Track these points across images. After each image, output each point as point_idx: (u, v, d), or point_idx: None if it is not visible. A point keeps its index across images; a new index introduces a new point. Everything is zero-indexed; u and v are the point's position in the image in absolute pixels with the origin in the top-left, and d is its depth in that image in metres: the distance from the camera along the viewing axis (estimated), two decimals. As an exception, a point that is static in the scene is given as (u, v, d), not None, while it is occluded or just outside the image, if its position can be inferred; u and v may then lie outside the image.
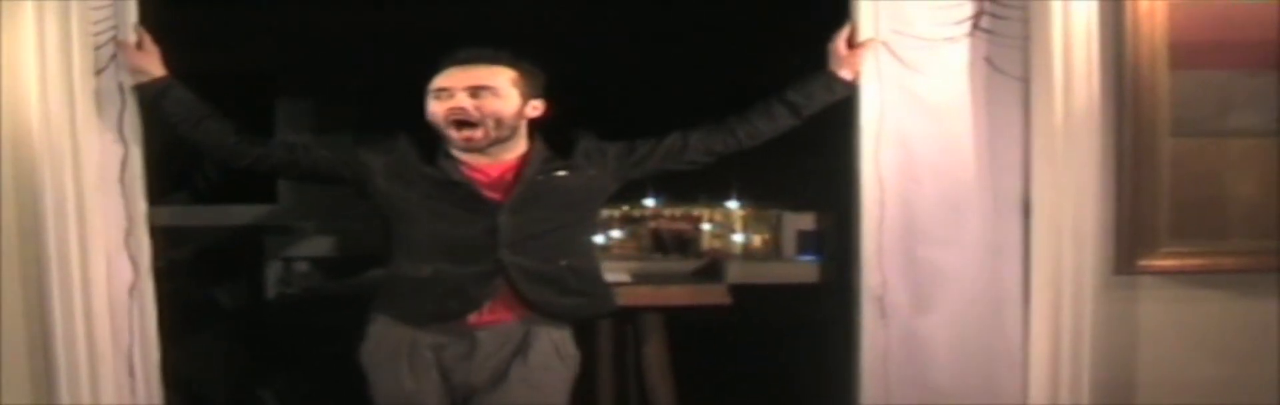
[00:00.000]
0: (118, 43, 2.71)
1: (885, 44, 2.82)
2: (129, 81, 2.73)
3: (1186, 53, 2.77)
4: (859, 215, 2.89)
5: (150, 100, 2.73)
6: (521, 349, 2.72)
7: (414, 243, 2.73)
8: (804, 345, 4.25)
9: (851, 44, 2.83)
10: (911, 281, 2.88)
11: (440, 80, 2.67)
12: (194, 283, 4.49)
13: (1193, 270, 2.85)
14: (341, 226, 4.99)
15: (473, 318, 2.71)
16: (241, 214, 5.12)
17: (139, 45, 2.72)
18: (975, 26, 2.83)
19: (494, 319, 2.72)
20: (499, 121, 2.66)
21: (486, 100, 2.65)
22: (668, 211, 4.13)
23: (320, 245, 4.95)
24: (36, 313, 2.67)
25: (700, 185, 4.15)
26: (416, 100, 2.71)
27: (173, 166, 5.05)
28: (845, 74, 2.83)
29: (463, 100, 2.64)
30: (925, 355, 2.89)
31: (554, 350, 2.75)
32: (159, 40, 2.74)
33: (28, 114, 2.64)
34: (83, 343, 2.68)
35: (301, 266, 4.97)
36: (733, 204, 4.14)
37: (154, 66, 2.72)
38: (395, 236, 2.77)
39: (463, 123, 2.64)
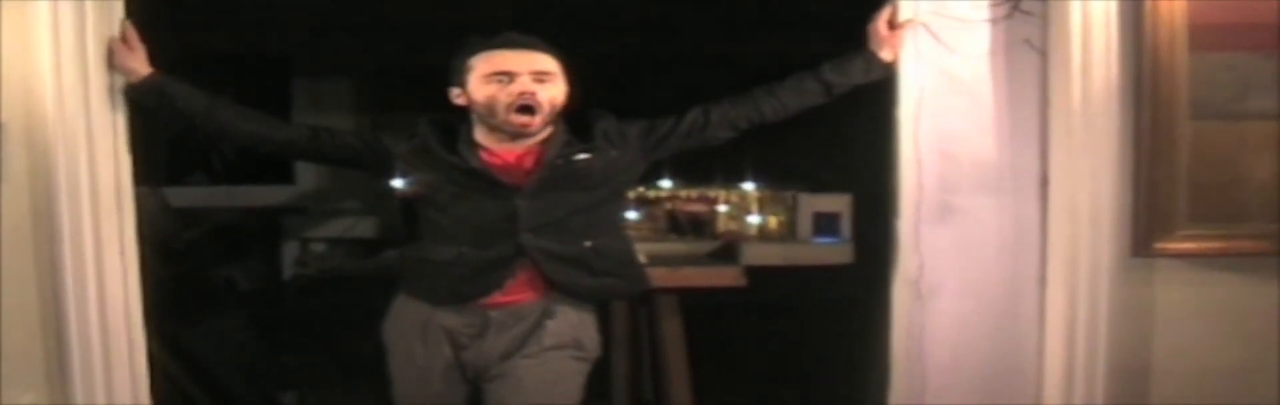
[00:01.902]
0: (109, 41, 2.64)
1: (925, 25, 2.80)
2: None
3: (1206, 35, 2.73)
4: (886, 197, 2.88)
5: (151, 98, 2.69)
6: (536, 328, 2.73)
7: (438, 226, 2.74)
8: (818, 326, 4.27)
9: (892, 25, 2.80)
10: (940, 263, 2.87)
11: (497, 63, 2.64)
12: (211, 263, 4.52)
13: (1210, 253, 2.82)
14: (358, 208, 5.02)
15: (492, 297, 2.72)
16: (259, 195, 5.15)
17: (124, 41, 2.66)
18: (1015, 8, 2.80)
19: (513, 299, 2.73)
20: (553, 108, 2.65)
21: (546, 86, 2.64)
22: (684, 193, 4.13)
23: (337, 226, 4.97)
24: (51, 298, 2.66)
25: (717, 167, 4.15)
26: (432, 84, 2.71)
27: (191, 149, 5.12)
28: (885, 55, 2.80)
29: (530, 84, 2.62)
30: (947, 337, 2.88)
31: (570, 330, 2.76)
32: (171, 25, 2.71)
33: (42, 98, 2.61)
34: (96, 327, 2.68)
35: (318, 247, 5.00)
36: (749, 185, 4.14)
37: (141, 65, 2.68)
38: (421, 219, 2.78)
39: (526, 107, 2.62)
